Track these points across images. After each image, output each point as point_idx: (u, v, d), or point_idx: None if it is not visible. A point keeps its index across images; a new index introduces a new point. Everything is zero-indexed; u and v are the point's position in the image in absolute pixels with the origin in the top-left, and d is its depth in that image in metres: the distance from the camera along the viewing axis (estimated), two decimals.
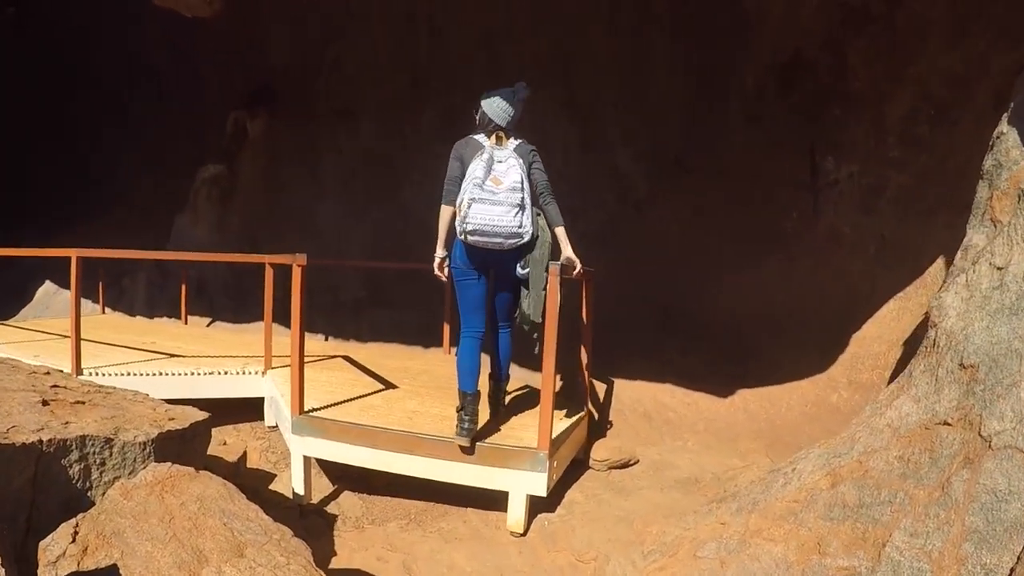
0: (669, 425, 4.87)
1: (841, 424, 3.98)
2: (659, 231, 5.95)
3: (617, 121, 6.34)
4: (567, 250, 3.77)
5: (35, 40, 13.49)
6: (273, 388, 4.96)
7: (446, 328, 6.68)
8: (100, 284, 9.67)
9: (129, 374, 5.22)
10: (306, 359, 5.98)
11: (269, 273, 5.09)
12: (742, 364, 4.90)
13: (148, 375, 5.22)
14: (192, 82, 11.01)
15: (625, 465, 4.43)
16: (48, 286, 11.80)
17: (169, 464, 2.67)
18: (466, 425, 3.71)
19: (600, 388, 5.42)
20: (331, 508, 4.20)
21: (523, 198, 3.59)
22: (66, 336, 6.26)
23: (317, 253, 8.63)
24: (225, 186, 9.98)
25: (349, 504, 4.23)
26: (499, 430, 3.97)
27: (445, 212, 3.76)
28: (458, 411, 3.79)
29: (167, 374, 5.28)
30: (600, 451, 4.50)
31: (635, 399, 5.19)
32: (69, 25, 12.54)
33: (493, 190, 3.53)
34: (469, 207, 3.51)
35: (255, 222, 9.67)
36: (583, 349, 4.67)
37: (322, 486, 4.43)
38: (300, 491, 4.11)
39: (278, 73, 9.52)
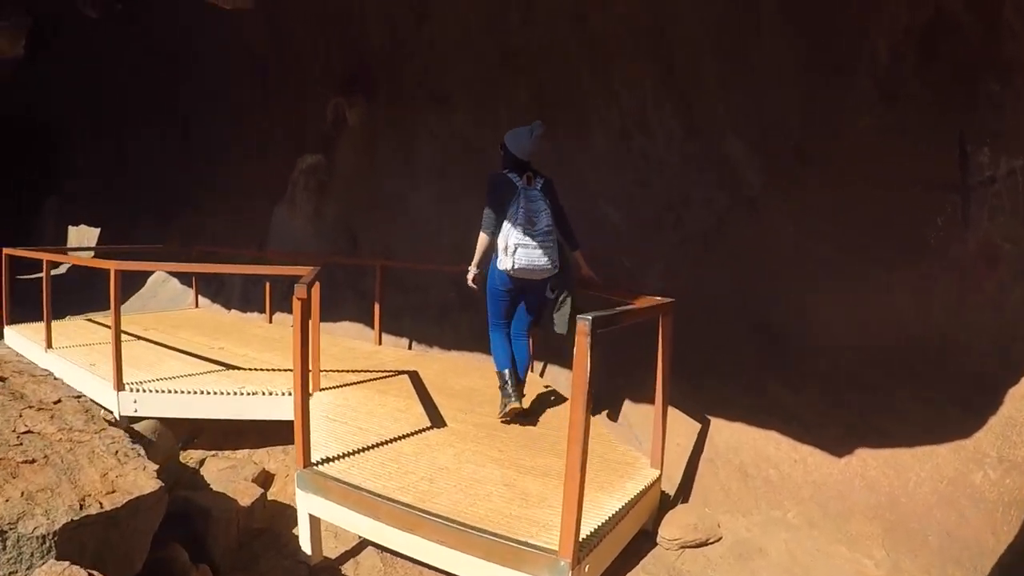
0: (769, 486, 4.09)
1: (983, 518, 3.09)
2: (772, 235, 5.15)
3: (725, 102, 5.53)
4: (585, 269, 4.97)
5: (144, 33, 14.07)
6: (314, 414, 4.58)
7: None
8: (193, 278, 9.74)
9: (171, 391, 5.02)
10: (376, 374, 5.70)
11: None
12: (862, 413, 4.05)
13: (190, 393, 4.99)
14: (296, 70, 11.04)
15: (702, 544, 3.68)
16: (159, 274, 12.25)
17: (66, 566, 2.26)
18: (511, 395, 4.71)
19: (689, 428, 4.71)
20: (348, 567, 3.82)
21: (554, 239, 4.55)
22: (141, 339, 6.24)
23: (411, 246, 8.51)
24: (322, 176, 9.89)
25: (368, 565, 3.88)
26: (523, 507, 3.35)
27: (483, 239, 4.61)
28: (501, 388, 4.80)
29: (211, 393, 4.99)
30: (672, 525, 3.82)
31: (731, 446, 4.44)
32: (176, 17, 12.88)
33: (532, 233, 4.40)
34: (515, 251, 4.36)
35: (351, 213, 9.56)
36: (659, 394, 3.93)
37: (348, 538, 4.07)
38: (308, 551, 3.66)
39: (376, 56, 9.34)
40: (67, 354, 6.18)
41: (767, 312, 4.89)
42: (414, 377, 5.79)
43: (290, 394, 5.07)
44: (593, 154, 6.56)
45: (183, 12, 12.45)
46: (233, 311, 10.29)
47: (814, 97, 5.02)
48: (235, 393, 5.08)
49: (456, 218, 8.03)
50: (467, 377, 6.01)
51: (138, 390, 5.06)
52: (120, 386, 5.00)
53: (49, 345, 6.39)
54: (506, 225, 4.41)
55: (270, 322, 8.87)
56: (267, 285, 8.93)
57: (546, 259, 4.42)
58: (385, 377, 5.81)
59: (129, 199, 16.77)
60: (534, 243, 4.36)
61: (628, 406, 5.30)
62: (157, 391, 5.07)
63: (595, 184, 6.53)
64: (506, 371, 4.76)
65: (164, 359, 6.08)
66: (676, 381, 4.37)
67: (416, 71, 8.71)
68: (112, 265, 5.09)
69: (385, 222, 9.07)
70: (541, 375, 6.54)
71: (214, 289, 11.16)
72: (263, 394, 5.10)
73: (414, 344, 7.71)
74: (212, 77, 13.23)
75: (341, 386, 5.35)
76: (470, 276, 4.79)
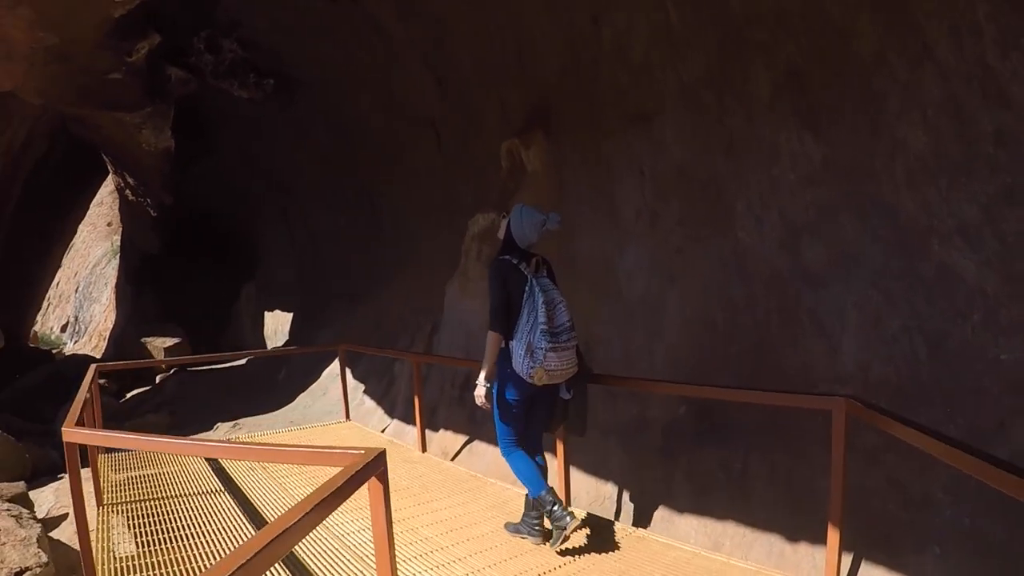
0: None
1: None
2: None
3: None
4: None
5: (309, 109, 14.09)
6: None
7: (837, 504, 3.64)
8: (343, 384, 8.10)
9: None
10: None
11: None
12: None
13: None
14: (467, 119, 9.99)
15: None
16: (333, 367, 11.33)
17: None
18: (565, 517, 4.12)
19: None
20: None
21: (576, 335, 4.22)
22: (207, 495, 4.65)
23: (621, 327, 6.29)
24: (498, 241, 7.98)
25: None
26: None
27: (495, 340, 4.19)
28: (549, 513, 4.20)
29: None
30: None
31: None
32: (342, 87, 12.74)
33: (556, 332, 4.04)
34: (544, 356, 3.98)
35: None
36: None
37: None
38: None
39: (551, 81, 7.67)
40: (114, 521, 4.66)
41: None
42: None
43: None
44: (905, 155, 4.05)
45: (349, 81, 12.42)
46: (394, 421, 8.74)
47: None
48: None
49: (685, 284, 5.86)
50: None
51: None
52: None
53: (100, 501, 5.18)
54: (523, 324, 4.08)
55: (423, 451, 6.91)
56: (415, 401, 7.00)
57: (574, 360, 4.20)
58: None
59: (319, 281, 16.98)
60: (561, 343, 4.05)
61: None
62: None
63: (916, 208, 4.00)
64: (544, 492, 4.23)
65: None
66: None
67: (604, 87, 6.80)
68: None
69: (583, 296, 6.99)
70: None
71: (382, 388, 9.68)
72: None
73: (624, 501, 5.40)
74: (388, 145, 12.74)
75: None
76: (482, 393, 4.26)
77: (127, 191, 20.10)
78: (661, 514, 5.05)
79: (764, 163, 5.03)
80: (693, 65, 5.67)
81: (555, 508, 4.15)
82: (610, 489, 5.57)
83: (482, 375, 4.22)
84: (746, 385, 4.78)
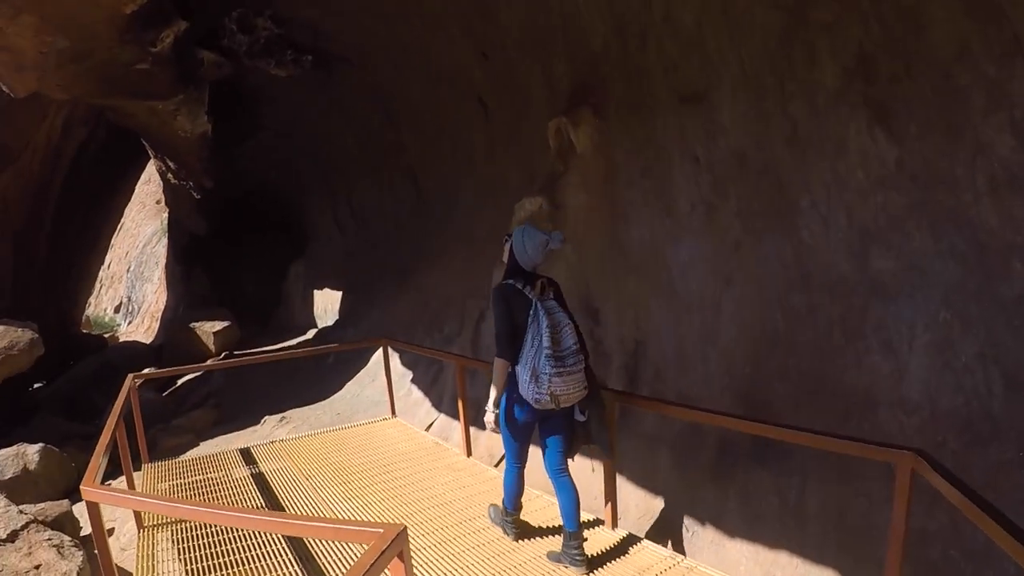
0: None
1: None
2: None
3: None
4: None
5: (350, 87, 14.07)
6: None
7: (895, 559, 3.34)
8: (388, 379, 7.94)
9: None
10: None
11: None
12: None
13: None
14: (513, 94, 9.83)
15: None
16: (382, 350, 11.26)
17: None
18: (512, 532, 4.77)
19: None
20: None
21: (584, 356, 4.20)
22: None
23: (672, 321, 6.05)
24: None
25: None
26: None
27: (502, 367, 4.19)
28: (508, 521, 4.79)
29: None
30: None
31: None
32: (377, 60, 12.68)
33: (562, 355, 4.05)
34: (549, 381, 4.01)
35: (585, 277, 7.56)
36: None
37: None
38: None
39: (600, 56, 7.37)
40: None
41: None
42: None
43: None
44: (989, 161, 3.72)
45: (390, 55, 12.29)
46: (441, 415, 8.85)
47: None
48: None
49: (742, 285, 5.59)
50: None
51: None
52: None
53: (140, 523, 5.14)
54: (528, 349, 4.09)
55: (468, 454, 6.75)
56: (460, 400, 6.89)
57: (582, 383, 4.18)
58: None
59: (367, 258, 17.00)
60: (566, 367, 4.05)
61: None
62: None
63: (998, 222, 3.71)
64: (512, 510, 4.74)
65: None
66: None
67: (654, 62, 6.47)
68: None
69: (633, 287, 6.85)
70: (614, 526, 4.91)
71: (432, 374, 9.61)
72: None
73: (673, 519, 5.22)
74: (433, 122, 12.78)
75: None
76: (491, 419, 4.34)
77: (169, 175, 20.23)
78: (711, 536, 4.89)
79: (831, 158, 4.71)
80: (751, 43, 5.35)
81: (511, 531, 4.73)
82: (659, 504, 5.45)
83: (490, 401, 4.28)
84: (804, 401, 4.57)
